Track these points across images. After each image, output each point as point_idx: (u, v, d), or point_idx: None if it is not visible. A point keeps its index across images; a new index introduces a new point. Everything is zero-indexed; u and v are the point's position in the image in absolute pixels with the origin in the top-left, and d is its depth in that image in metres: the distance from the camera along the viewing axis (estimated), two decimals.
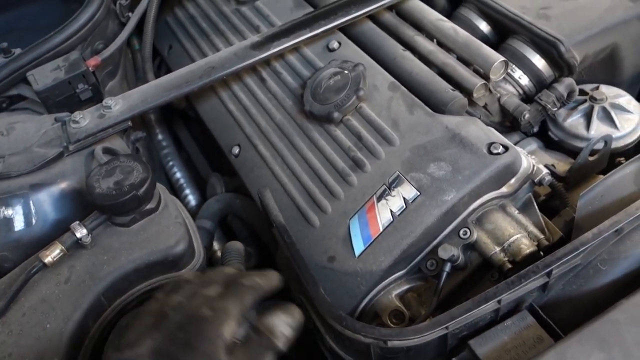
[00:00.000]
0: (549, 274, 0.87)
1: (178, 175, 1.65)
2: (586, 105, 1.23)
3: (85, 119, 1.18)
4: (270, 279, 0.83)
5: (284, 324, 0.78)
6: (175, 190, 1.63)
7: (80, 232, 0.98)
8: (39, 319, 0.92)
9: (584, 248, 0.87)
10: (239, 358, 0.72)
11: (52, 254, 0.96)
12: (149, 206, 1.03)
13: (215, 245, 1.42)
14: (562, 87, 1.22)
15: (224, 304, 0.74)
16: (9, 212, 1.08)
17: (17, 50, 1.38)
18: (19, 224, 1.08)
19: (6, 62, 1.33)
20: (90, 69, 1.34)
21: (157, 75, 1.67)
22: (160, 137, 1.72)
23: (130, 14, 1.57)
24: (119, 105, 1.21)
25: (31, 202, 1.08)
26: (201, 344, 0.70)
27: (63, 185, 1.11)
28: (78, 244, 0.98)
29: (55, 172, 1.12)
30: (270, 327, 0.77)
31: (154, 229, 1.02)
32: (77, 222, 0.99)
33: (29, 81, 1.30)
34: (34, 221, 1.08)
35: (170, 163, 1.68)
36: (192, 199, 1.60)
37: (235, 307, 0.74)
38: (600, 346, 0.79)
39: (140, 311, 0.78)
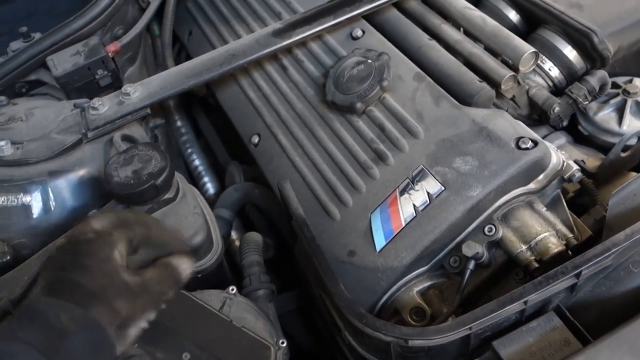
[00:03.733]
0: (578, 275, 0.84)
1: (197, 162, 1.64)
2: (619, 98, 1.19)
3: (104, 106, 1.17)
4: (157, 225, 0.77)
5: (184, 262, 0.75)
6: (193, 177, 1.62)
7: None
8: None
9: (615, 249, 0.83)
10: (146, 277, 0.68)
11: None
12: (167, 196, 1.01)
13: (233, 235, 1.41)
14: (594, 80, 1.18)
15: (108, 230, 0.69)
16: (27, 198, 1.07)
17: (37, 35, 1.37)
18: (37, 211, 1.07)
19: (26, 46, 1.32)
20: (109, 54, 1.33)
21: (177, 61, 1.65)
22: (179, 123, 1.71)
23: None
24: (138, 92, 1.20)
25: (49, 189, 1.07)
26: (95, 263, 0.65)
27: (81, 172, 1.10)
28: None
29: (74, 159, 1.11)
30: (172, 262, 0.74)
31: (172, 219, 1.00)
32: (95, 210, 0.98)
33: (49, 66, 1.29)
34: (52, 208, 1.07)
35: (189, 150, 1.66)
36: (210, 187, 1.59)
37: (120, 233, 0.69)
38: (632, 352, 0.75)
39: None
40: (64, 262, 0.66)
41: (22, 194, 1.07)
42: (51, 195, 1.07)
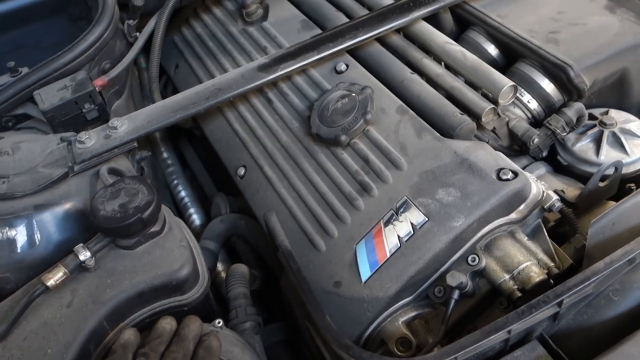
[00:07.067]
0: (560, 304, 0.85)
1: (183, 194, 1.64)
2: (596, 130, 1.22)
3: (91, 140, 1.18)
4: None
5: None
6: (179, 209, 1.62)
7: (84, 255, 0.96)
8: (41, 344, 0.90)
9: (595, 278, 0.85)
10: None
11: (54, 277, 0.94)
12: (154, 229, 1.02)
13: (219, 267, 1.41)
14: (571, 112, 1.21)
15: None
16: (12, 233, 1.06)
17: (24, 69, 1.38)
18: (21, 245, 1.06)
19: (13, 81, 1.33)
20: (97, 88, 1.33)
21: (164, 93, 1.67)
22: (165, 155, 1.72)
23: (137, 33, 1.57)
24: (125, 126, 1.21)
25: (35, 222, 1.07)
26: None
27: (67, 206, 1.10)
28: (81, 267, 0.97)
29: (60, 192, 1.11)
30: None
31: (158, 252, 1.01)
32: (81, 244, 0.98)
33: (36, 100, 1.30)
34: (37, 242, 1.07)
35: (175, 182, 1.67)
36: (196, 219, 1.59)
37: None
38: None
39: None
40: None
41: (7, 228, 1.06)
42: (36, 229, 1.07)
